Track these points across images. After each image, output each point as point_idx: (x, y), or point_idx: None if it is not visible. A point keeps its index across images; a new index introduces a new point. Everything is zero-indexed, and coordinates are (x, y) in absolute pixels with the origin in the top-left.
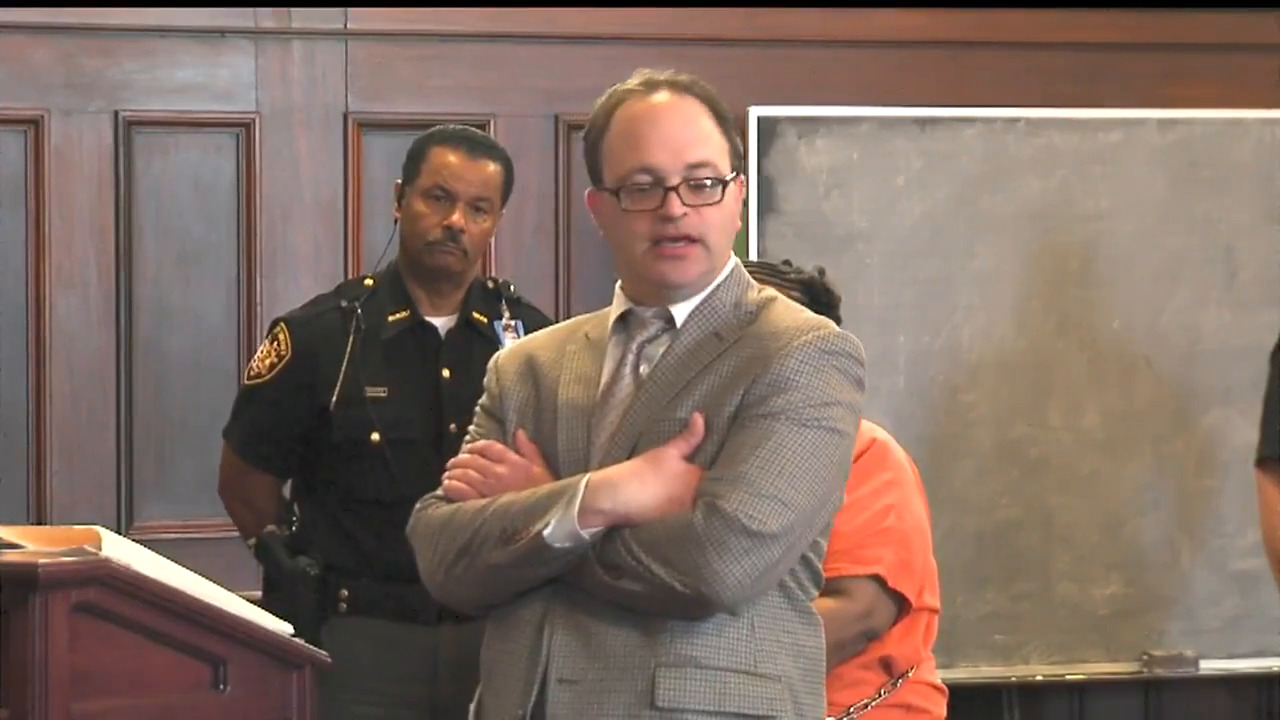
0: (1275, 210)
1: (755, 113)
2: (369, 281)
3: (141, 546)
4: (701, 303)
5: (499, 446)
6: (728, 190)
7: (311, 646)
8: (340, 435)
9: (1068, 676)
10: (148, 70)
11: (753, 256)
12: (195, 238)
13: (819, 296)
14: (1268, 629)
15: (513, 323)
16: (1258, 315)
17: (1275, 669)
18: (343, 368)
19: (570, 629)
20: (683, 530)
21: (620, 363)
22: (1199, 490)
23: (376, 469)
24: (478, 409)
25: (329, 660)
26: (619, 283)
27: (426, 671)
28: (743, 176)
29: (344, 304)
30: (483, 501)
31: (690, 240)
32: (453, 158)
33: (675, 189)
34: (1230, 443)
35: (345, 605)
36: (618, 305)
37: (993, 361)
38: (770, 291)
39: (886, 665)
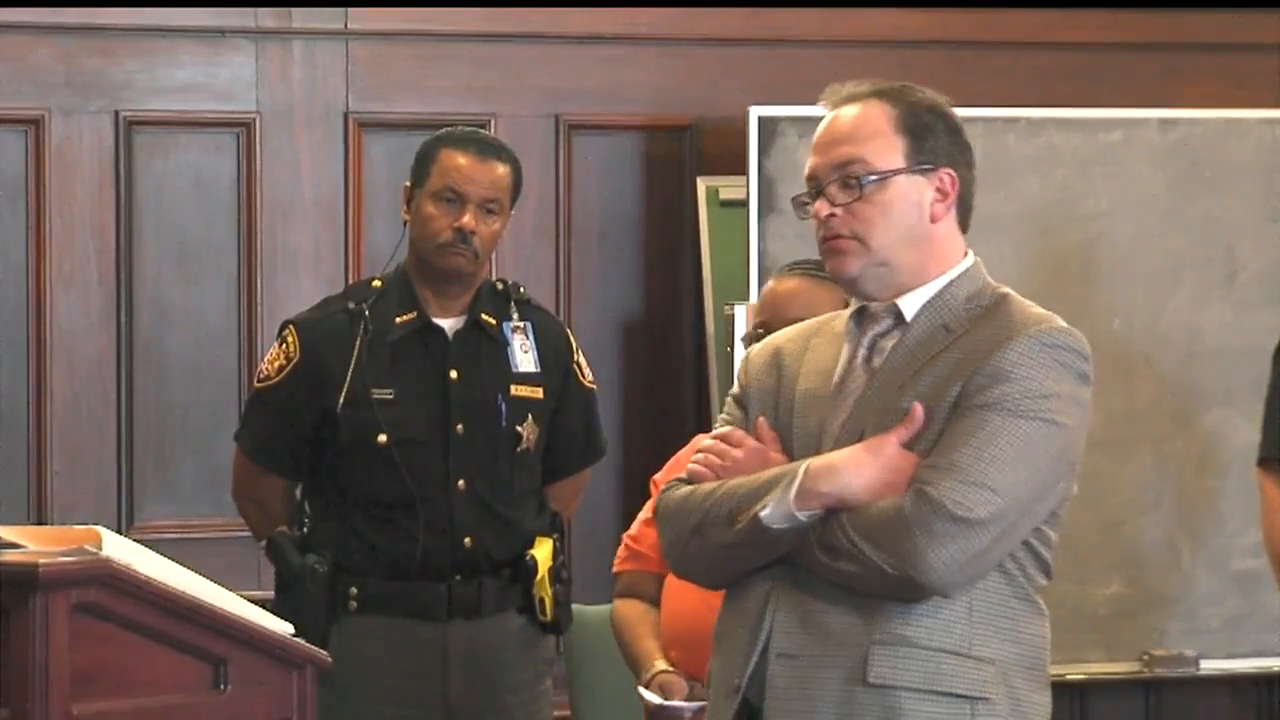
0: (1275, 210)
1: (755, 113)
2: (377, 283)
3: (142, 546)
4: (933, 297)
5: (739, 432)
6: (889, 184)
7: (312, 646)
8: (347, 437)
9: (1068, 676)
10: (148, 70)
11: (753, 256)
12: (195, 238)
13: None
14: (1268, 629)
15: (521, 324)
16: (1258, 315)
17: (1276, 669)
18: (350, 370)
19: (792, 606)
20: (893, 515)
21: (854, 355)
22: (1199, 490)
23: (384, 470)
24: (728, 398)
25: (329, 660)
26: None
27: (437, 668)
28: (945, 172)
29: (351, 306)
30: (715, 484)
31: (843, 237)
32: (463, 160)
33: (823, 190)
34: (1231, 443)
35: (355, 604)
36: (854, 302)
37: None
38: (1006, 289)
39: None
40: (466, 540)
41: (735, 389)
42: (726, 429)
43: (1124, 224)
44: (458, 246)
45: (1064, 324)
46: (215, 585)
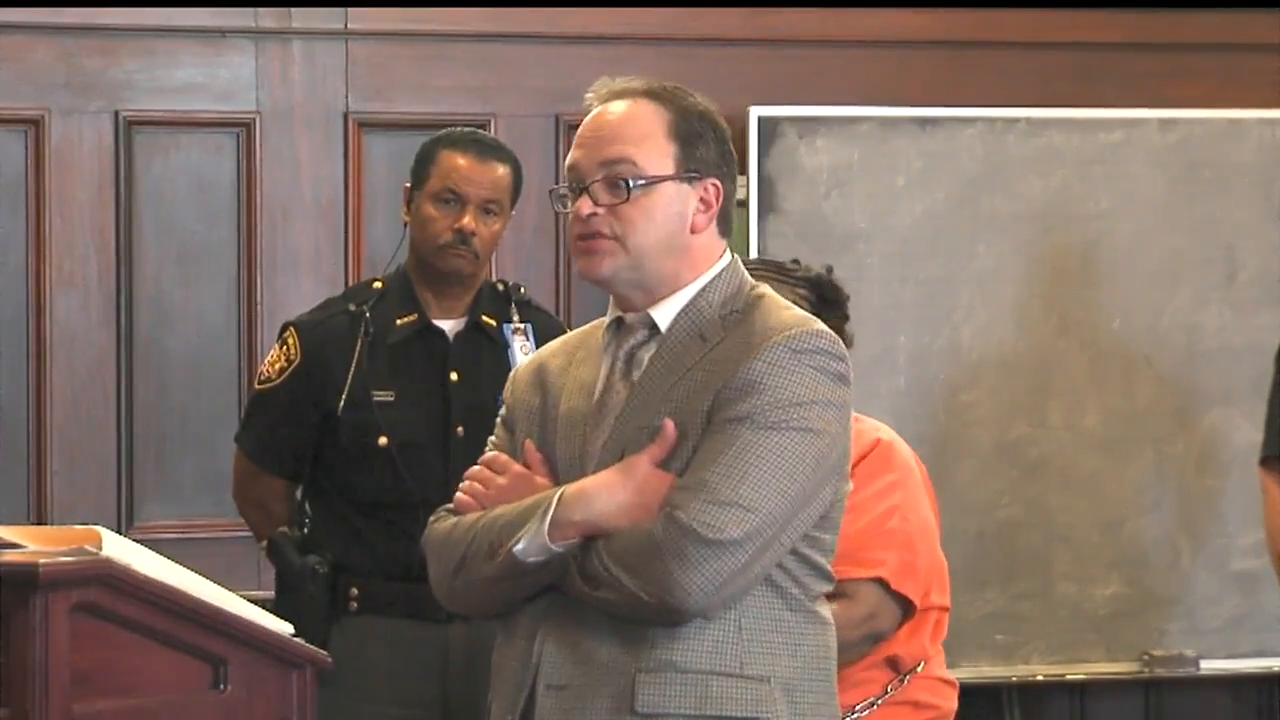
0: (1275, 210)
1: (755, 113)
2: (378, 285)
3: (141, 546)
4: (687, 305)
5: (504, 458)
6: (656, 190)
7: (312, 646)
8: (348, 439)
9: (1068, 676)
10: (148, 70)
11: (753, 256)
12: (195, 238)
13: (826, 294)
14: (1268, 629)
15: (522, 326)
16: (1258, 315)
17: (1276, 669)
18: (350, 372)
19: (561, 637)
20: (644, 541)
21: (611, 370)
22: (1200, 490)
23: (385, 472)
24: (497, 419)
25: (329, 660)
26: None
27: (438, 669)
28: (711, 183)
29: (352, 308)
30: (477, 515)
31: (602, 236)
32: (462, 161)
33: (587, 188)
34: (1231, 442)
35: (356, 604)
36: (610, 313)
37: (993, 361)
38: (762, 289)
39: (893, 664)
40: None
41: (503, 410)
42: (491, 455)
43: (1124, 224)
44: (458, 248)
45: (818, 326)
46: (215, 585)
